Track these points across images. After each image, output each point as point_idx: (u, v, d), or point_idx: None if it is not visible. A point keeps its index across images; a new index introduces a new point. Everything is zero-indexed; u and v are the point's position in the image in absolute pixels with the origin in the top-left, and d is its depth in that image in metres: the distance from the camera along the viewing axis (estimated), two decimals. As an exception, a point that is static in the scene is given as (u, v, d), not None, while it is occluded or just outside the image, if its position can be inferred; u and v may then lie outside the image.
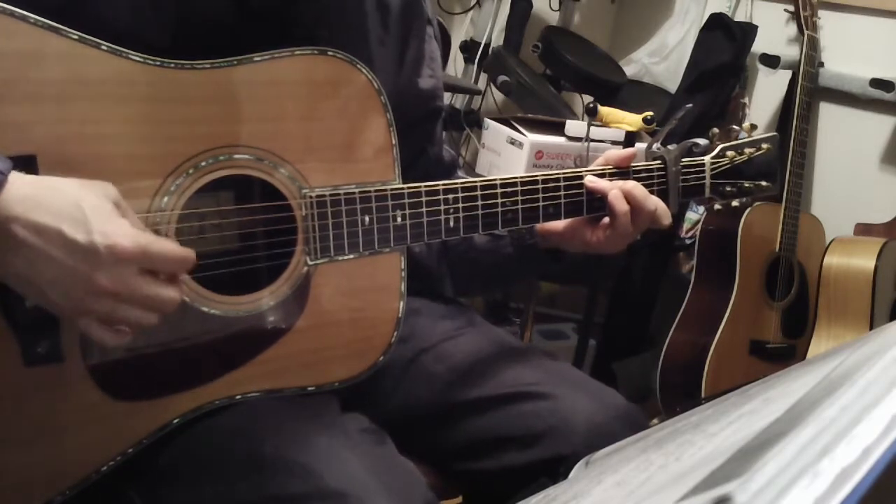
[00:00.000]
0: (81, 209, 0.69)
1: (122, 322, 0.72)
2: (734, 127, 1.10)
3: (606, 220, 1.01)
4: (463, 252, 1.12)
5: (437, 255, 1.14)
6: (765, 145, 1.10)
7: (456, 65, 2.40)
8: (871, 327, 2.00)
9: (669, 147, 1.05)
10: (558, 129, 1.93)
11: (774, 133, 1.12)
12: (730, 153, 1.08)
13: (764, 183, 1.09)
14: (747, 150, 1.08)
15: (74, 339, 0.77)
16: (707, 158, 1.07)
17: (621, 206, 0.98)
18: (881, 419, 0.36)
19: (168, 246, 0.74)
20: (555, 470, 0.90)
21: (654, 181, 1.04)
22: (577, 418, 0.96)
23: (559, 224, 1.03)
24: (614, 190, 0.99)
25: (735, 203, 1.10)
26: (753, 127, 1.11)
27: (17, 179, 0.68)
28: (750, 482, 0.34)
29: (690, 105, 1.30)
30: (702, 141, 1.08)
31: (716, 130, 1.09)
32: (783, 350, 2.08)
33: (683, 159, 1.05)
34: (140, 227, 0.74)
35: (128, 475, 0.83)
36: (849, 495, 0.32)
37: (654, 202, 1.00)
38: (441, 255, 1.14)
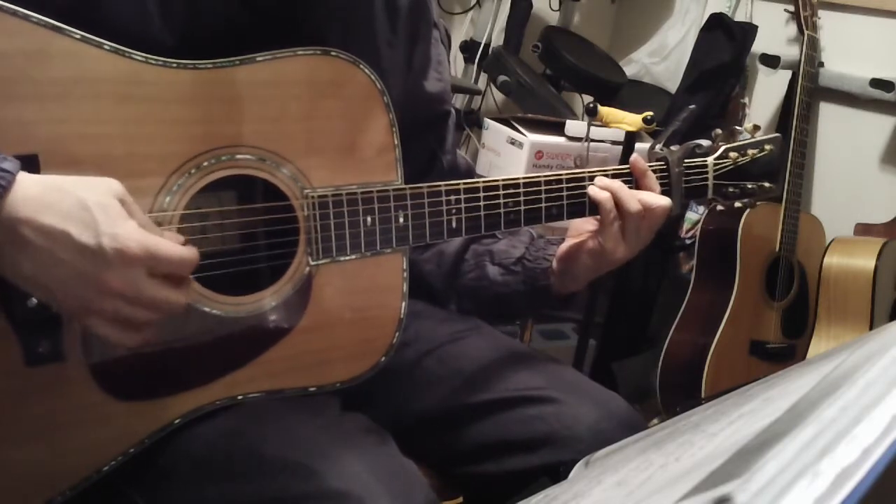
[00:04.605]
0: (89, 210, 0.69)
1: (129, 321, 0.72)
2: (737, 128, 1.09)
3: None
4: (475, 279, 1.11)
5: (445, 277, 1.13)
6: (768, 146, 1.09)
7: (456, 65, 2.40)
8: (871, 327, 2.00)
9: (672, 148, 1.05)
10: (558, 129, 1.93)
11: (777, 134, 1.11)
12: (733, 154, 1.07)
13: (767, 184, 1.09)
14: (750, 152, 1.07)
15: (76, 339, 0.78)
16: (710, 159, 1.06)
17: (609, 204, 0.96)
18: (881, 419, 0.36)
19: (174, 248, 0.74)
20: (556, 472, 0.90)
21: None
22: (581, 425, 0.95)
23: (565, 248, 1.02)
24: (604, 192, 0.96)
25: (738, 204, 1.10)
26: (756, 128, 1.10)
27: (24, 179, 0.68)
28: (750, 482, 0.34)
29: (693, 106, 1.29)
30: (705, 142, 1.07)
31: (719, 131, 1.08)
32: (783, 350, 2.08)
33: (686, 160, 1.05)
34: (146, 222, 0.74)
35: (129, 475, 0.83)
36: (849, 495, 0.32)
37: (643, 199, 0.97)
38: (450, 277, 1.13)
